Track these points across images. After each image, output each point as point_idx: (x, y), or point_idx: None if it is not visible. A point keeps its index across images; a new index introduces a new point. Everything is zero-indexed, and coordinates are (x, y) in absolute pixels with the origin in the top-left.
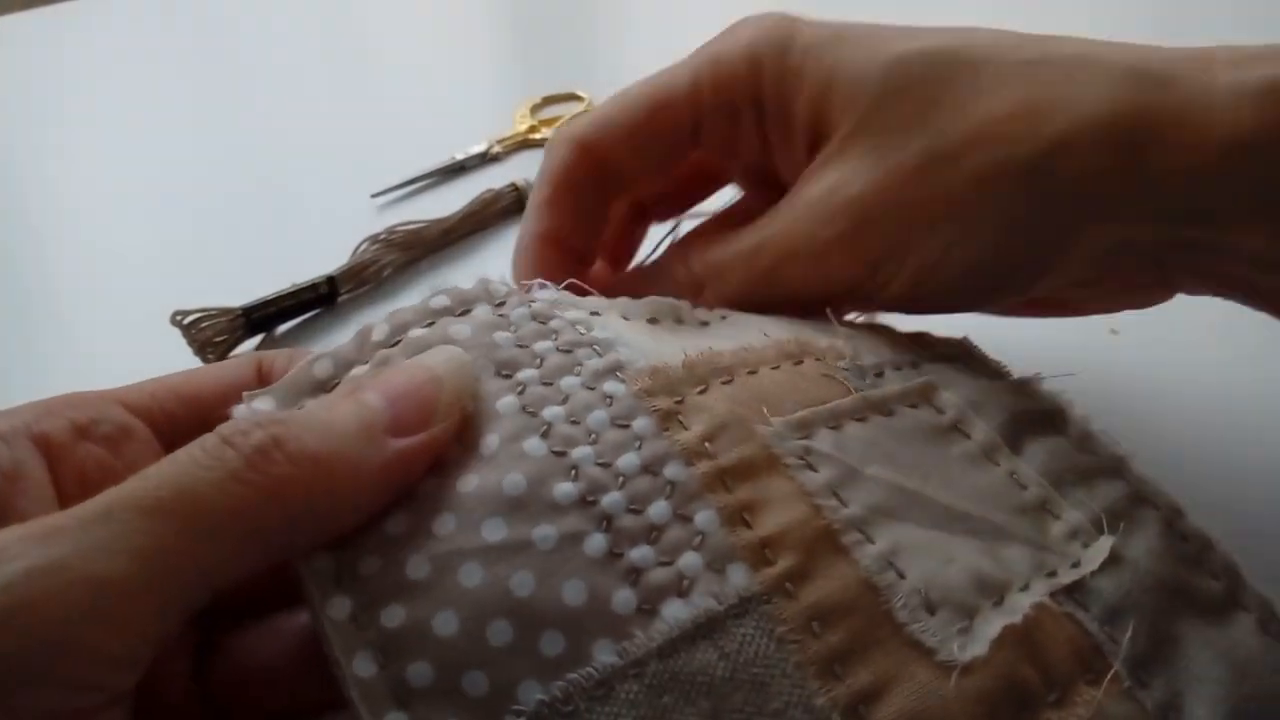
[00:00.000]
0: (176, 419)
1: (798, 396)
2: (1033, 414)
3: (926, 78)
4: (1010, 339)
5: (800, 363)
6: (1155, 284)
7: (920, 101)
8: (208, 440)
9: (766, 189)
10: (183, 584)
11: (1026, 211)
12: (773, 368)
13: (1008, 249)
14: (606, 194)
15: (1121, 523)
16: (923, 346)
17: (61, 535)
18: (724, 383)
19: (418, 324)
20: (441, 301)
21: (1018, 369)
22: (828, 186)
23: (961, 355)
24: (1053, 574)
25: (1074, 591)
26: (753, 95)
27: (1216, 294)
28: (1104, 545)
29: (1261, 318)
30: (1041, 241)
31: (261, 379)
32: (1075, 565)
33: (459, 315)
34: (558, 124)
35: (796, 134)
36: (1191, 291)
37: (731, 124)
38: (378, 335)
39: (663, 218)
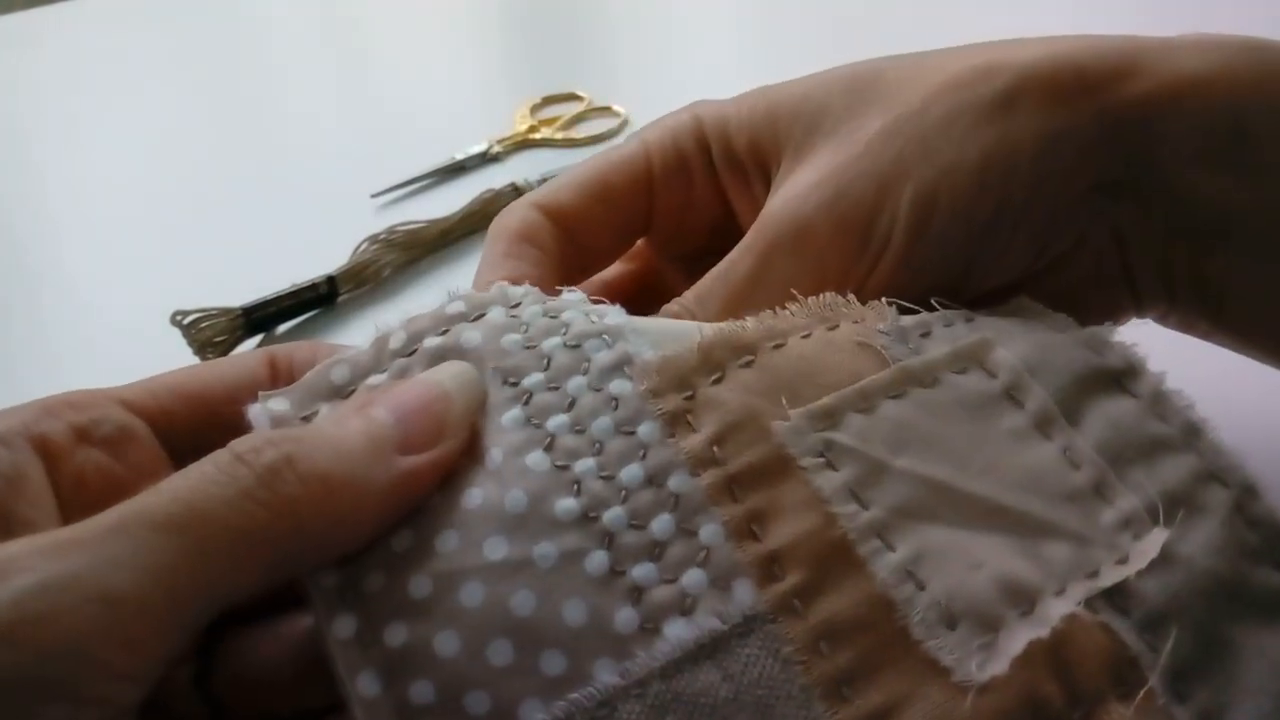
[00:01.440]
0: (178, 418)
1: (826, 375)
2: (1099, 373)
3: (875, 75)
4: None
5: (835, 327)
6: (1118, 280)
7: (870, 93)
8: (221, 457)
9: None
10: (192, 600)
11: (996, 146)
12: (803, 336)
13: (985, 192)
14: (565, 256)
15: (1182, 509)
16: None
17: (74, 549)
18: (744, 365)
19: (433, 331)
20: (458, 307)
21: None
22: (798, 180)
23: (1021, 309)
24: (1094, 574)
25: (1114, 595)
26: (698, 143)
27: (1176, 310)
28: (1156, 539)
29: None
30: (1015, 182)
31: (277, 374)
32: (1122, 562)
33: (474, 320)
34: (557, 124)
35: (748, 171)
36: (1153, 303)
37: (683, 176)
38: (395, 344)
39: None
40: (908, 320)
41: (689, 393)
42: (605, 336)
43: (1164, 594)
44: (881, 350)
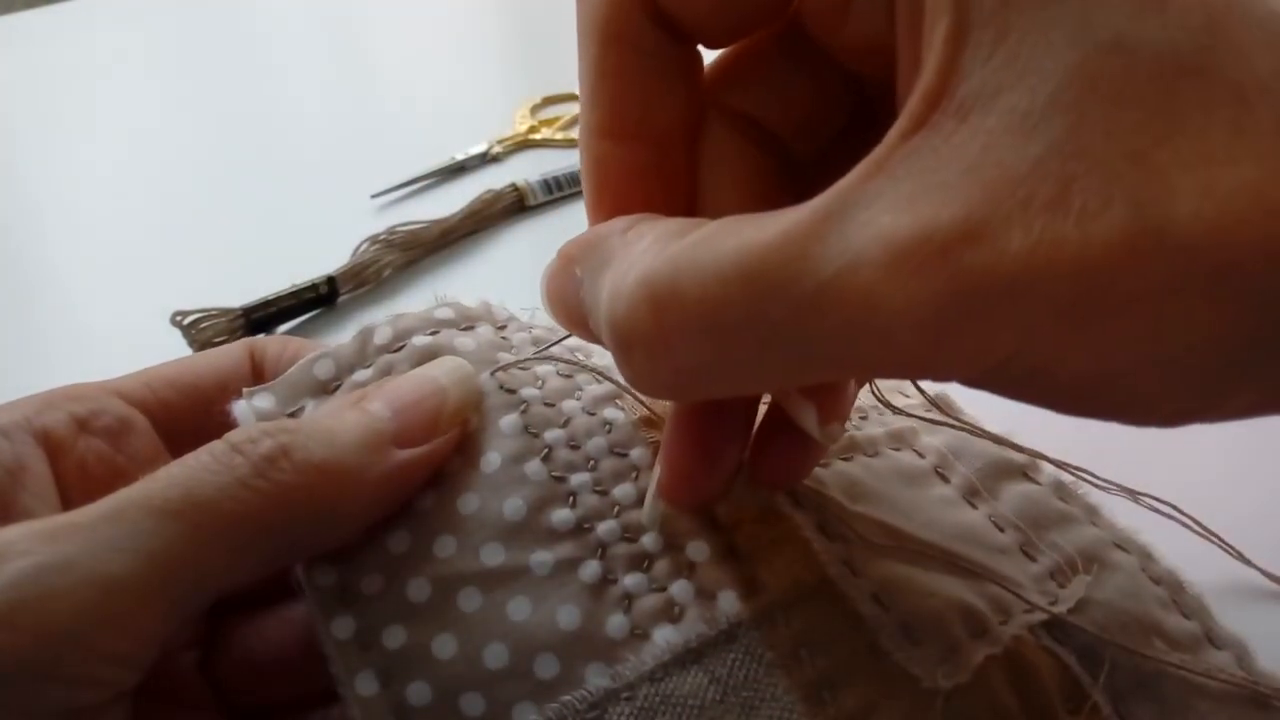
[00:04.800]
0: (174, 409)
1: None
2: (1008, 464)
3: (1189, 68)
4: None
5: None
6: None
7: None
8: (217, 446)
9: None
10: (188, 586)
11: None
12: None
13: None
14: (678, 45)
15: (1095, 565)
16: (903, 394)
17: (71, 533)
18: None
19: (421, 331)
20: (446, 314)
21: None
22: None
23: (939, 408)
24: (1030, 611)
25: (1052, 628)
26: None
27: None
28: (1080, 584)
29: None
30: None
31: (254, 367)
32: (1052, 603)
33: (463, 330)
34: (557, 124)
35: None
36: None
37: None
38: (380, 339)
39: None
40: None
41: None
42: (595, 375)
43: (1094, 629)
44: None
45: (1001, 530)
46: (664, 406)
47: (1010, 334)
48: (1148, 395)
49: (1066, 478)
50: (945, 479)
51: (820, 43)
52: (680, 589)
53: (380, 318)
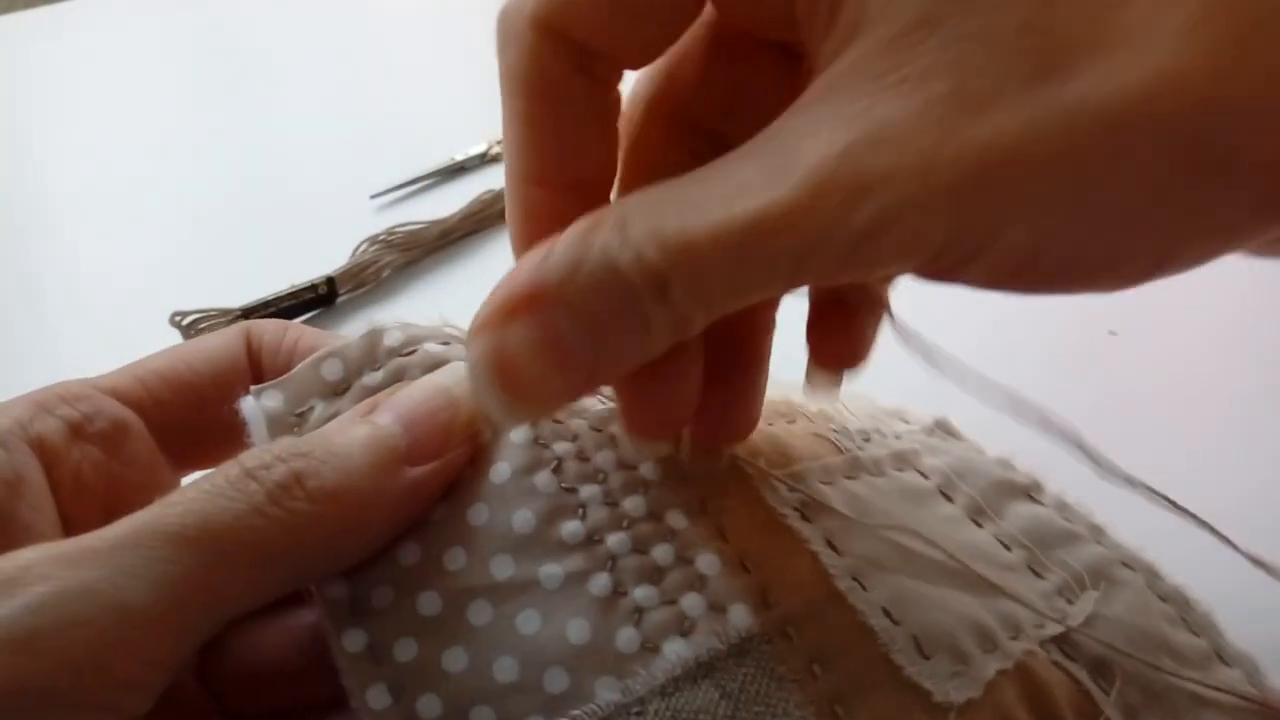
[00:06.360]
0: (168, 407)
1: (794, 451)
2: (1012, 484)
3: None
4: (1015, 340)
5: (793, 422)
6: None
7: None
8: (232, 471)
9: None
10: (202, 612)
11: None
12: (767, 424)
13: None
14: (597, 86)
15: (1103, 582)
16: (903, 420)
17: (90, 559)
18: None
19: (434, 340)
20: (455, 331)
21: (1023, 371)
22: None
23: (940, 431)
24: (1040, 626)
25: (1062, 644)
26: None
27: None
28: (1089, 600)
29: (1259, 316)
30: None
31: (251, 353)
32: (1061, 621)
33: None
34: None
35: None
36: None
37: None
38: (390, 341)
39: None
40: (852, 424)
41: None
42: (599, 397)
43: (1103, 644)
44: (835, 442)
45: (1008, 548)
46: None
47: (941, 221)
48: (1084, 258)
49: (1070, 498)
50: (949, 499)
51: (744, 28)
52: (691, 602)
53: (387, 319)
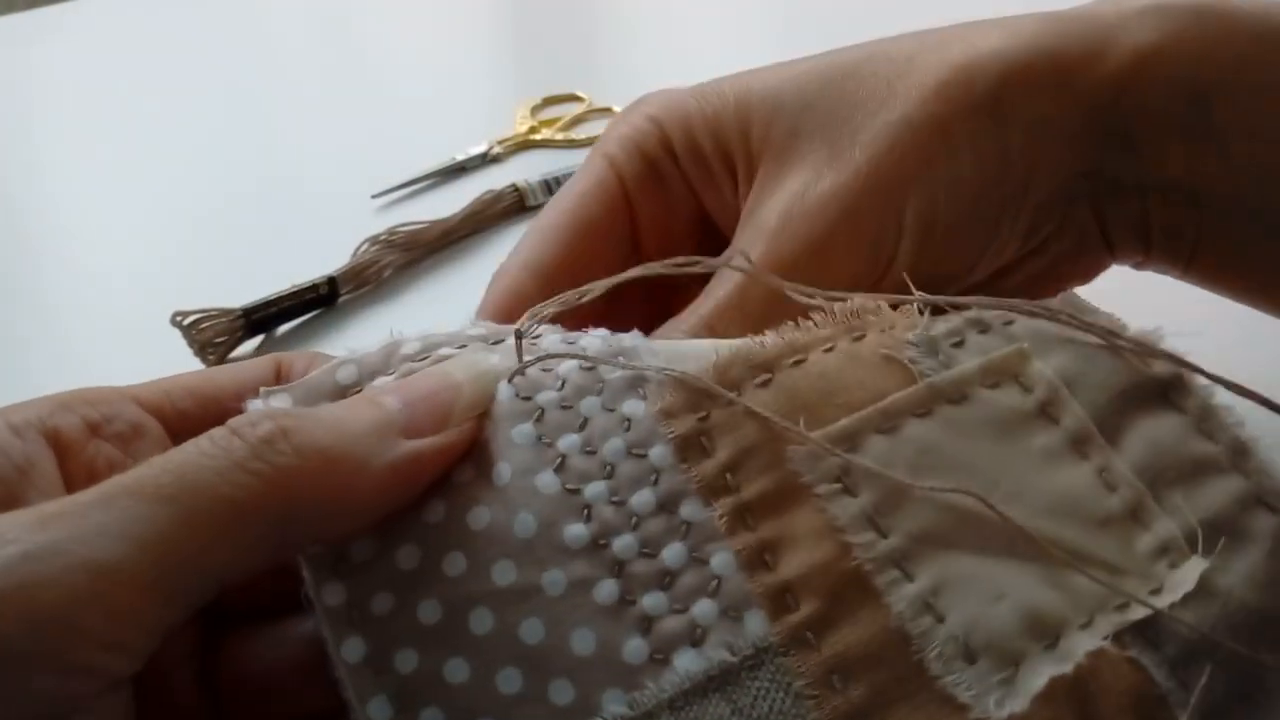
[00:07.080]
0: (190, 417)
1: (848, 394)
2: (1143, 385)
3: (847, 76)
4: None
5: (861, 337)
6: (1097, 244)
7: (851, 92)
8: (216, 431)
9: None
10: (183, 572)
11: (991, 150)
12: (825, 349)
13: (983, 198)
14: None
15: (1224, 537)
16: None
17: (59, 520)
18: (761, 384)
19: (450, 345)
20: (479, 331)
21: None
22: (792, 192)
23: (1070, 305)
24: (1124, 606)
25: (1145, 628)
26: (663, 145)
27: (1151, 261)
28: (1194, 569)
29: (1258, 319)
30: (1010, 181)
31: (280, 380)
32: (1156, 593)
33: (493, 345)
34: (558, 125)
35: (714, 171)
36: (1128, 255)
37: (659, 186)
38: (408, 349)
39: None
40: (940, 327)
41: (703, 414)
42: (620, 357)
43: (1199, 628)
44: (909, 364)
45: (1112, 490)
46: (691, 389)
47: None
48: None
49: (1221, 398)
50: (1054, 420)
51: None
52: (703, 609)
53: (411, 332)
